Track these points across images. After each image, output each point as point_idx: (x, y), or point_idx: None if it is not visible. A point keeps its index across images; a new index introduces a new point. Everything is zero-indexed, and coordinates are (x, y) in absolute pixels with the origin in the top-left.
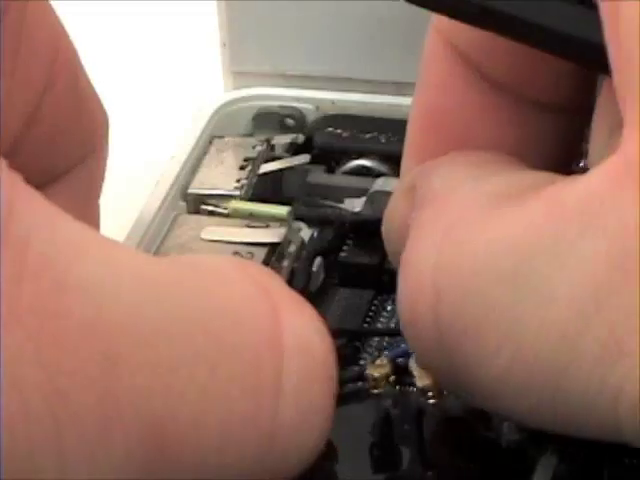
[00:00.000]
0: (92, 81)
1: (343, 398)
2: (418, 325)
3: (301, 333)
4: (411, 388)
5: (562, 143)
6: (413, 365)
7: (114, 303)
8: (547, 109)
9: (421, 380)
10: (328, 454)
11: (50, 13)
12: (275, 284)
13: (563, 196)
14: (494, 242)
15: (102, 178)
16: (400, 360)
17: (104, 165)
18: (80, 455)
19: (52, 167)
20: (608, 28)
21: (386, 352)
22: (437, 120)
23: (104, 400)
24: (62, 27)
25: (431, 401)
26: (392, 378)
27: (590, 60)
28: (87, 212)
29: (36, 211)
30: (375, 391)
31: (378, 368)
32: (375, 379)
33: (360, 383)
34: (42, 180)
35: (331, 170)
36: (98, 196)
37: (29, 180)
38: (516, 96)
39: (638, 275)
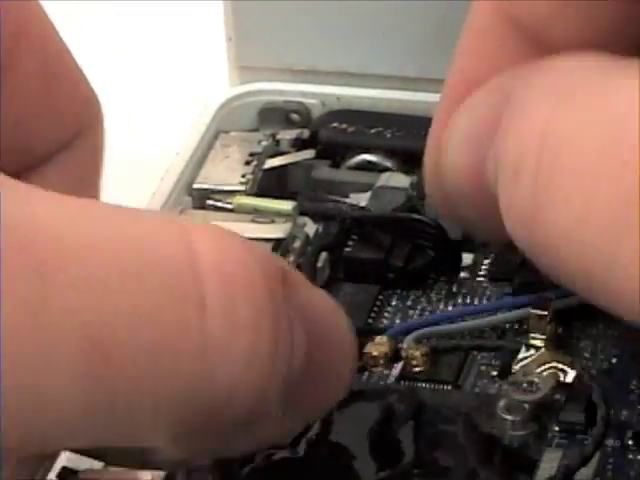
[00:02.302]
0: (96, 75)
1: (348, 396)
2: (520, 174)
3: (217, 254)
4: (416, 384)
5: None
6: (406, 343)
7: (39, 226)
8: None
9: (413, 358)
10: (333, 451)
11: None
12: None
13: None
14: (599, 112)
15: (98, 161)
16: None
17: (99, 148)
18: (24, 380)
19: (29, 149)
20: None
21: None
22: (479, 81)
23: (39, 319)
24: (33, 6)
25: (418, 369)
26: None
27: None
28: (83, 195)
29: None
30: (374, 370)
31: (377, 346)
32: (374, 357)
33: (365, 377)
34: (22, 162)
35: (336, 165)
36: (96, 179)
37: (4, 162)
38: None
39: None
